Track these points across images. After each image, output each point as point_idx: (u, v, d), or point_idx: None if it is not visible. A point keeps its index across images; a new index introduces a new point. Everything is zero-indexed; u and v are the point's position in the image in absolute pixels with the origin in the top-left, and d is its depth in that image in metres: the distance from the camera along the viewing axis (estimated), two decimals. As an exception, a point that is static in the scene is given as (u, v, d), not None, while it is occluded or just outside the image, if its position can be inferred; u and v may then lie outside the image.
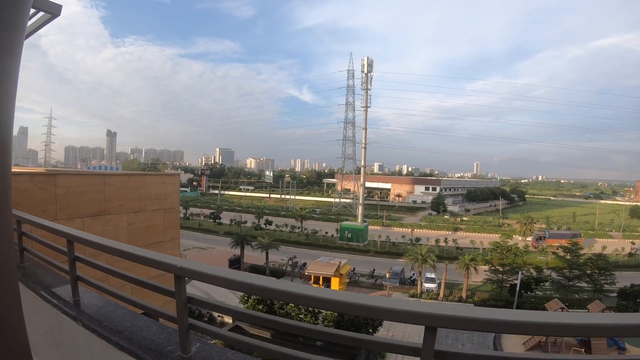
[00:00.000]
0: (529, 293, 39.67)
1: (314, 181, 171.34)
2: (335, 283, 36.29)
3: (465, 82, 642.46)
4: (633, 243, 66.14)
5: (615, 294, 39.65)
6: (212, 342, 4.94)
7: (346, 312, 2.01)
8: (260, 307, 23.78)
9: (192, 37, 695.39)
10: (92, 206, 9.37)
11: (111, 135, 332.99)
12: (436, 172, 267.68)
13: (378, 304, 1.99)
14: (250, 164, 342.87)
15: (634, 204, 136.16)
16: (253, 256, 45.27)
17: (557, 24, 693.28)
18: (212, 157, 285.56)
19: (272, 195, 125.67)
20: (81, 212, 9.06)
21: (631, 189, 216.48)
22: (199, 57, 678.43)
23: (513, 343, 27.43)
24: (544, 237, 67.96)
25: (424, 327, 1.95)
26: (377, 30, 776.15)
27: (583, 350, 25.10)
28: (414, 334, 27.44)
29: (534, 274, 41.17)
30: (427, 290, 39.93)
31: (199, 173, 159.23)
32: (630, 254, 60.90)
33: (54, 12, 6.78)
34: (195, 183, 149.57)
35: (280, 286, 2.29)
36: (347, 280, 39.44)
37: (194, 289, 29.98)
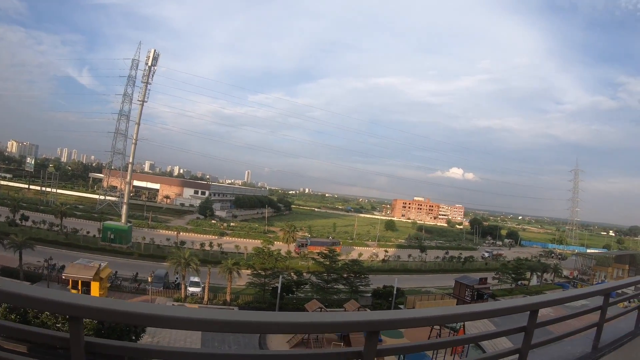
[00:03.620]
0: (290, 295, 41.97)
1: (80, 174, 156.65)
2: (95, 288, 34.32)
3: (249, 93, 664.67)
4: (386, 251, 77.94)
5: (370, 294, 44.38)
6: None
7: None
8: (12, 316, 20.17)
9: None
10: None
11: None
12: (207, 176, 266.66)
13: (26, 292, 1.85)
14: (12, 147, 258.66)
15: (389, 218, 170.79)
16: (5, 257, 40.00)
17: (342, 57, 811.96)
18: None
19: (32, 187, 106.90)
20: None
21: (388, 205, 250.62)
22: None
23: (279, 342, 29.56)
24: (306, 244, 73.17)
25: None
26: (175, 26, 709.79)
27: (342, 344, 28.09)
28: (197, 340, 26.91)
29: (295, 277, 44.08)
30: (191, 294, 39.74)
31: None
32: (383, 260, 70.48)
33: None
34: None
35: None
36: (108, 285, 37.82)
37: None
